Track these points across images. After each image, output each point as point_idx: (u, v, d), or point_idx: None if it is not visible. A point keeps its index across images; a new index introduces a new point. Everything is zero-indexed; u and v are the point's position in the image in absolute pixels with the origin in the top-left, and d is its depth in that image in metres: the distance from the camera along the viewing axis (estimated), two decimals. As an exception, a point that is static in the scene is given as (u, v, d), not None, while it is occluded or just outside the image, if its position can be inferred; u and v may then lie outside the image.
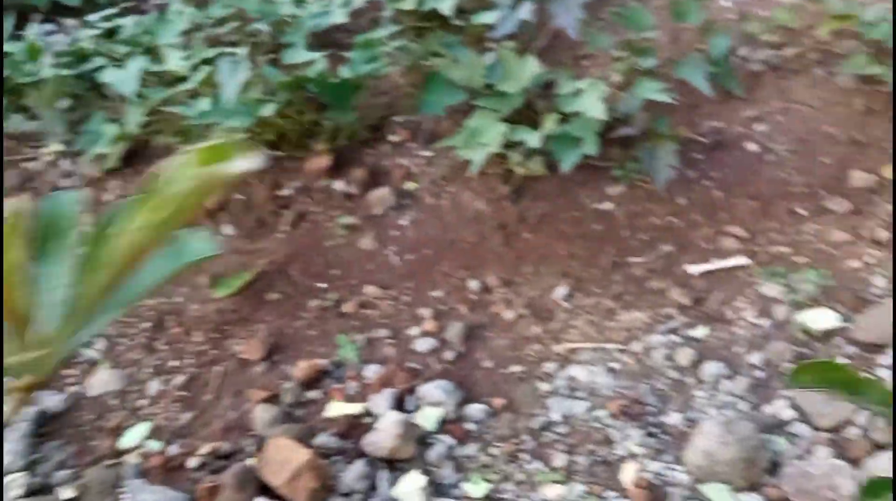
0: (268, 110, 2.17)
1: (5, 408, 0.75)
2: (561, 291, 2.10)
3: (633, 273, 2.13)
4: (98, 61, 2.50)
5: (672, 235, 2.20)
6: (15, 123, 2.45)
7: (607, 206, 2.28)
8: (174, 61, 2.38)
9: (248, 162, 0.75)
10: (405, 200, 2.33)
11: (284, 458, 1.54)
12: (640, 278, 2.11)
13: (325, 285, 2.13)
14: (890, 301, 1.85)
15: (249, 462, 1.62)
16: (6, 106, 2.42)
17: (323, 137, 2.38)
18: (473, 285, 2.13)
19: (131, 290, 0.83)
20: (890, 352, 1.74)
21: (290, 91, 2.25)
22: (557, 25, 2.39)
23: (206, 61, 2.34)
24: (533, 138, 2.10)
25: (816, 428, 1.64)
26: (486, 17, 2.43)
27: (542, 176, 2.32)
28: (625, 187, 2.30)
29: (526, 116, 2.23)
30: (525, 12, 2.41)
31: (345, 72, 2.24)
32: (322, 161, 2.35)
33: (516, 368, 1.89)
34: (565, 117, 2.14)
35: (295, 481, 1.51)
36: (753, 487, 1.54)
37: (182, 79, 2.34)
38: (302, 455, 1.54)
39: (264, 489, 1.55)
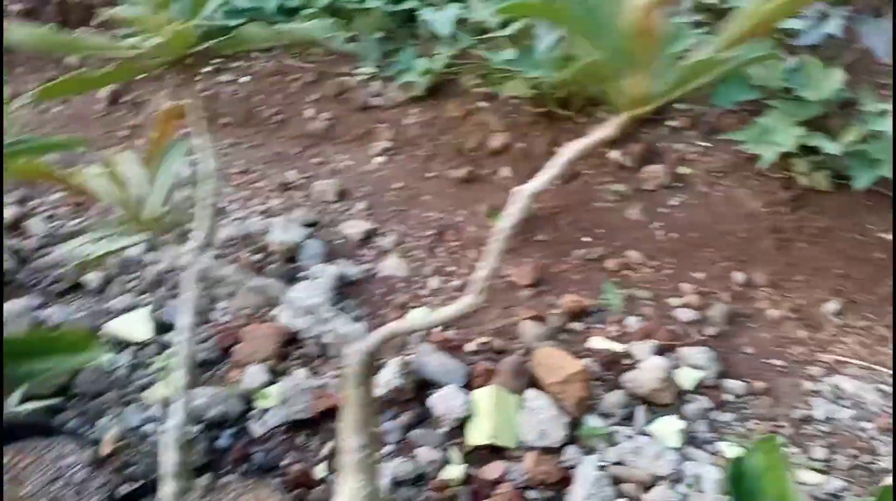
0: (569, 72, 2.28)
1: (603, 130, 0.85)
2: (831, 306, 2.03)
3: (910, 305, 2.02)
4: (413, 3, 2.75)
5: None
6: (337, 43, 2.75)
7: (892, 236, 2.19)
8: (482, 12, 2.57)
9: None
10: (677, 182, 2.36)
11: (557, 364, 1.62)
12: (919, 311, 2.00)
13: (589, 240, 2.21)
14: None
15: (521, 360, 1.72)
16: (334, 25, 2.72)
17: (606, 108, 2.47)
18: (738, 277, 2.11)
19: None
20: None
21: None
22: (866, 45, 2.33)
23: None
24: (833, 147, 2.07)
25: None
26: (793, 23, 2.42)
27: (823, 191, 2.27)
28: (914, 220, 2.19)
29: (820, 126, 2.20)
30: (834, 27, 2.37)
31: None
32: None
33: (778, 362, 1.86)
34: (863, 137, 2.09)
35: (566, 385, 1.58)
36: None
37: (485, 29, 2.52)
38: (575, 365, 1.62)
39: (533, 384, 1.64)
